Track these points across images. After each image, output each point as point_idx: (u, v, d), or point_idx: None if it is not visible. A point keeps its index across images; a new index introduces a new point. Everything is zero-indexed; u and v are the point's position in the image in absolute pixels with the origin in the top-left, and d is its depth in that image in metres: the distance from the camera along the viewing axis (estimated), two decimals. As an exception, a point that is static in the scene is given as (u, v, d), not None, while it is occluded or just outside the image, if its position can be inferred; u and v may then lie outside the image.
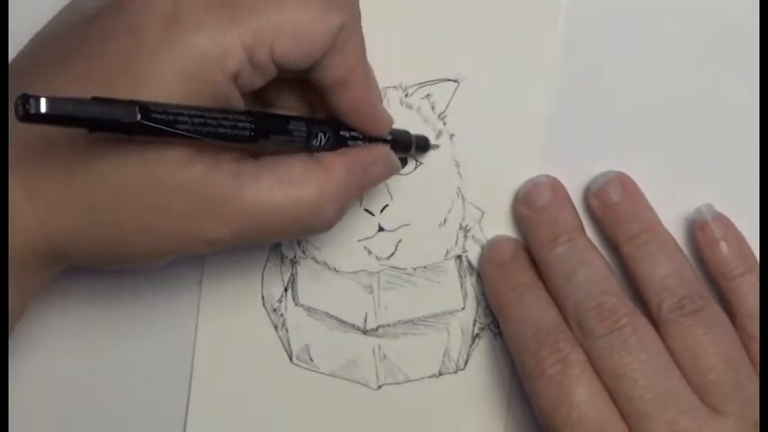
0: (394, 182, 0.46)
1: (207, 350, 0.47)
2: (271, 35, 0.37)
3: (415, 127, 0.46)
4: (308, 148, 0.40)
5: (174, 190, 0.38)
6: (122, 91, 0.35)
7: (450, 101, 0.46)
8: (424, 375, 0.47)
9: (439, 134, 0.46)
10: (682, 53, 0.45)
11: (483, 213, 0.46)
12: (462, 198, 0.46)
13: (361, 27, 0.40)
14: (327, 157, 0.40)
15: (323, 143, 0.40)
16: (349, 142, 0.41)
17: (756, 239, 0.44)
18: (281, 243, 0.47)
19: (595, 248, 0.44)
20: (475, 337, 0.47)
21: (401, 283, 0.47)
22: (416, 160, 0.46)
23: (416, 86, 0.46)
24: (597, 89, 0.46)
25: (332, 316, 0.47)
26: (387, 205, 0.46)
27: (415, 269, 0.47)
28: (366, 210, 0.46)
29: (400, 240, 0.47)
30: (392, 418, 0.47)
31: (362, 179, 0.42)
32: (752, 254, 0.44)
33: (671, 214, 0.45)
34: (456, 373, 0.47)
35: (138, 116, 0.34)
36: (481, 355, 0.47)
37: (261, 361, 0.47)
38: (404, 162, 0.46)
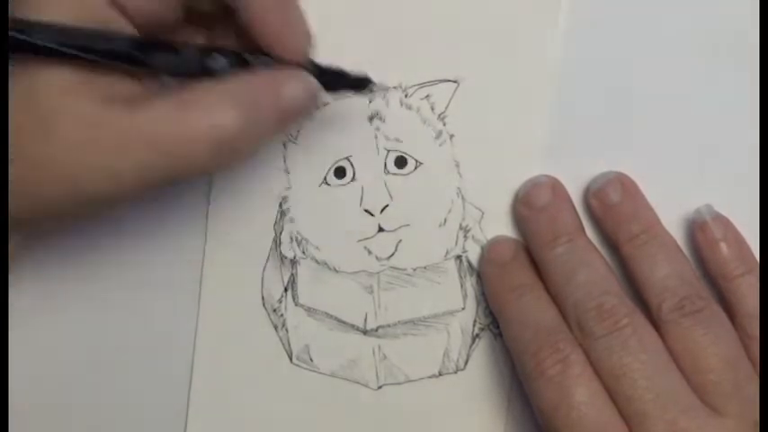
0: (394, 182, 0.46)
1: (207, 350, 0.48)
2: None
3: (414, 127, 0.46)
4: (205, 70, 0.38)
5: (60, 115, 0.36)
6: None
7: (449, 101, 0.46)
8: (424, 375, 0.47)
9: (439, 134, 0.46)
10: (682, 53, 0.45)
11: (483, 213, 0.46)
12: (462, 198, 0.46)
13: None
14: (233, 77, 0.38)
15: (222, 65, 0.38)
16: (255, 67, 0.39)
17: (756, 239, 0.44)
18: (280, 243, 0.47)
19: (595, 249, 0.44)
20: (475, 338, 0.47)
21: (401, 283, 0.47)
22: (417, 161, 0.46)
23: (416, 87, 0.46)
24: (597, 89, 0.46)
25: (332, 316, 0.47)
26: (387, 205, 0.46)
27: (415, 269, 0.47)
28: (366, 210, 0.46)
29: (400, 240, 0.47)
30: (392, 418, 0.47)
31: (274, 101, 0.38)
32: (752, 254, 0.44)
33: (671, 214, 0.45)
34: (456, 373, 0.47)
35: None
36: (481, 355, 0.47)
37: (261, 361, 0.48)
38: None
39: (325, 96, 0.43)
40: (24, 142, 0.37)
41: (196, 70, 0.38)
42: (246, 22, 0.39)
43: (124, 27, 0.38)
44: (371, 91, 0.42)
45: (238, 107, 0.37)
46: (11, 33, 0.35)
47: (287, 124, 0.40)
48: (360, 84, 0.42)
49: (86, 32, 0.37)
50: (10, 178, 0.37)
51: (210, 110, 0.37)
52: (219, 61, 0.38)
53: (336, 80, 0.41)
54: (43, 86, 0.36)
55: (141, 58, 0.37)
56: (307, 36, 0.40)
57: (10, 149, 0.37)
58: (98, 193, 0.38)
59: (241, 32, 0.40)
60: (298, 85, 0.39)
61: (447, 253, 0.47)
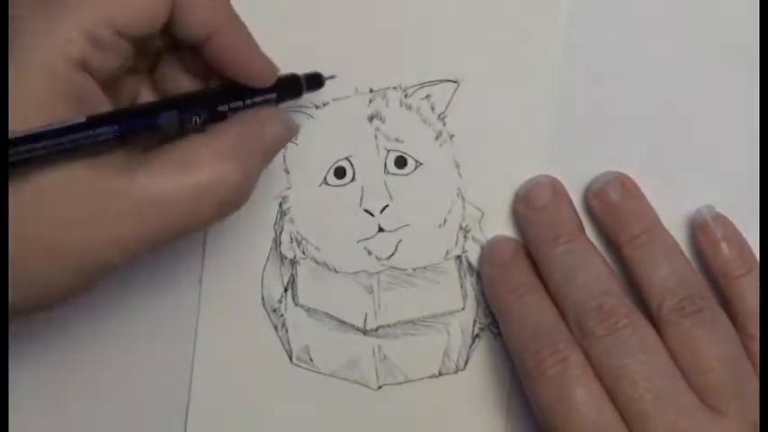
0: (394, 182, 0.46)
1: (207, 350, 0.48)
2: (107, 10, 0.36)
3: (415, 127, 0.46)
4: (184, 133, 0.39)
5: (62, 199, 0.36)
6: None
7: (449, 101, 0.46)
8: (424, 375, 0.47)
9: (439, 134, 0.46)
10: (682, 53, 0.45)
11: (483, 213, 0.46)
12: (462, 198, 0.46)
13: None
14: (217, 128, 0.39)
15: (198, 123, 0.39)
16: (229, 114, 0.40)
17: (756, 239, 0.44)
18: (280, 243, 0.47)
19: (595, 249, 0.44)
20: (475, 338, 0.47)
21: (401, 283, 0.47)
22: (417, 161, 0.46)
23: (416, 87, 0.46)
24: (597, 89, 0.46)
25: (332, 316, 0.47)
26: (387, 205, 0.46)
27: (414, 269, 0.47)
28: (366, 210, 0.46)
29: (400, 241, 0.47)
30: (392, 418, 0.47)
31: (259, 143, 0.40)
32: (752, 254, 0.44)
33: (671, 214, 0.45)
34: (456, 373, 0.47)
35: None
36: (481, 355, 0.47)
37: (261, 361, 0.48)
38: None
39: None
40: (29, 230, 0.36)
41: (177, 133, 0.39)
42: (213, 61, 0.39)
43: (97, 94, 0.37)
44: (322, 84, 0.43)
45: (236, 161, 0.38)
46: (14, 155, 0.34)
47: (269, 162, 0.41)
48: (316, 82, 0.43)
49: (72, 129, 0.35)
50: (16, 271, 0.36)
51: (212, 168, 0.38)
52: (196, 122, 0.39)
53: (296, 87, 0.42)
54: (36, 171, 0.35)
55: (127, 138, 0.37)
56: (270, 62, 0.40)
57: (12, 238, 0.36)
58: (109, 265, 0.37)
59: (190, 66, 0.40)
60: (278, 123, 0.40)
61: (447, 253, 0.47)
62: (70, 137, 0.35)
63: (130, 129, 0.37)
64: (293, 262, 0.47)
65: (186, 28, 0.38)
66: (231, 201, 0.39)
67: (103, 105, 0.37)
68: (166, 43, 0.40)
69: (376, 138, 0.46)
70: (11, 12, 0.37)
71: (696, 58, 0.45)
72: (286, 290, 0.47)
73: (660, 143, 0.46)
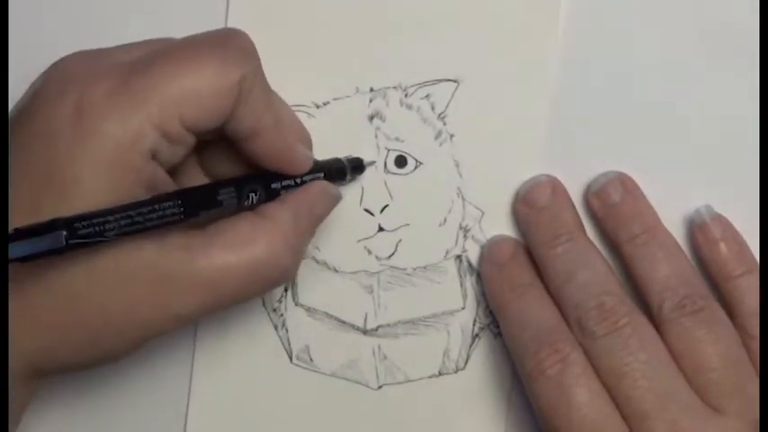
0: (394, 182, 0.46)
1: (207, 350, 0.48)
2: (177, 107, 0.38)
3: (415, 127, 0.46)
4: (242, 209, 0.41)
5: (129, 277, 0.38)
6: (50, 204, 0.36)
7: (449, 101, 0.46)
8: (424, 375, 0.47)
9: (439, 134, 0.46)
10: (681, 53, 0.45)
11: (483, 213, 0.46)
12: (462, 198, 0.46)
13: (262, 72, 0.40)
14: (270, 209, 0.41)
15: (255, 201, 0.41)
16: (282, 192, 0.42)
17: (756, 240, 0.44)
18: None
19: (595, 248, 0.44)
20: (475, 337, 0.47)
21: (401, 283, 0.47)
22: (417, 160, 0.46)
23: (416, 86, 0.46)
24: (597, 89, 0.46)
25: (332, 316, 0.47)
26: (387, 205, 0.46)
27: (414, 269, 0.47)
28: (366, 210, 0.46)
29: (400, 240, 0.47)
30: (392, 418, 0.47)
31: (309, 220, 0.42)
32: (751, 254, 0.44)
33: (671, 214, 0.45)
34: (456, 373, 0.47)
35: (64, 242, 0.34)
36: (481, 355, 0.47)
37: (261, 361, 0.47)
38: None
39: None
40: (99, 313, 0.38)
41: (236, 212, 0.41)
42: (253, 154, 0.41)
43: (164, 178, 0.39)
44: (363, 170, 0.46)
45: (289, 242, 0.40)
46: (77, 241, 0.35)
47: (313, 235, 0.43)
48: (359, 167, 0.46)
49: (142, 211, 0.37)
50: (81, 338, 0.39)
51: (267, 250, 0.40)
52: (253, 199, 0.41)
53: (340, 172, 0.45)
54: (103, 256, 0.37)
55: (191, 214, 0.39)
56: (306, 153, 0.42)
57: (84, 309, 0.38)
58: (159, 334, 0.40)
59: (237, 156, 0.42)
60: (324, 201, 0.43)
61: (447, 253, 0.47)
62: (139, 211, 0.37)
63: (193, 205, 0.38)
64: (293, 261, 0.47)
65: (237, 125, 0.40)
66: (281, 279, 0.41)
67: (170, 189, 0.39)
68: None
69: (376, 137, 0.46)
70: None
71: (696, 57, 0.45)
72: (286, 289, 0.47)
73: (660, 143, 0.46)
